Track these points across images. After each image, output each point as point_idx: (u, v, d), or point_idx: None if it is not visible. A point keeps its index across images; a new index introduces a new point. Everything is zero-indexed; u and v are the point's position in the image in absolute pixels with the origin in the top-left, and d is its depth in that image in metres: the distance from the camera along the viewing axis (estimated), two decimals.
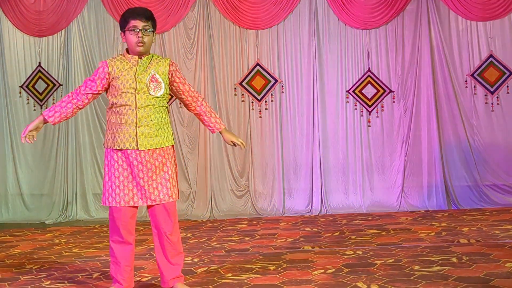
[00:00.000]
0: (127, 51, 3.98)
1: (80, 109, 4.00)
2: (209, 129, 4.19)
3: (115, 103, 3.89)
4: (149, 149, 3.88)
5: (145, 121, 3.87)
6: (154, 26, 3.97)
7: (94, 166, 8.05)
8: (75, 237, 6.52)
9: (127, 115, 3.87)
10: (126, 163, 3.89)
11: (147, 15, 3.93)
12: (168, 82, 4.00)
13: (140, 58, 3.94)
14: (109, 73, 3.91)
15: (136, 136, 3.86)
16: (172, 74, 4.00)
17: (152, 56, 4.00)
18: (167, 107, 4.06)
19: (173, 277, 4.04)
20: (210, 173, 7.89)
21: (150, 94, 3.88)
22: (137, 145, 3.86)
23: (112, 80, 3.91)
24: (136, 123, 3.86)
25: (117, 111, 3.90)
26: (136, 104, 3.86)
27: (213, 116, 4.15)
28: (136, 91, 3.87)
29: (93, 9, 8.09)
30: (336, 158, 7.80)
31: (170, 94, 4.09)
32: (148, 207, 3.99)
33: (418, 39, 7.71)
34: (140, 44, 3.88)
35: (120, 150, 3.89)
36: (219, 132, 4.16)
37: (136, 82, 3.88)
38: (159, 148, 3.92)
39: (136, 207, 3.98)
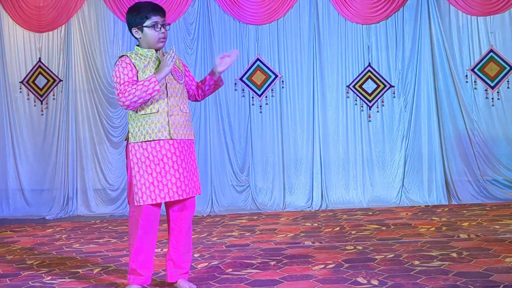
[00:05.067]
0: (139, 46, 3.93)
1: None
2: (208, 84, 4.09)
3: None
4: (180, 139, 3.87)
5: (175, 110, 3.87)
6: None
7: (95, 161, 8.06)
8: (76, 233, 6.53)
9: (158, 104, 3.82)
10: (158, 157, 3.79)
11: (164, 11, 3.95)
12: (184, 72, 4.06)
13: (156, 52, 3.93)
14: (134, 64, 3.82)
15: (168, 125, 3.82)
16: (183, 64, 4.09)
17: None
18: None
19: (182, 272, 4.03)
20: (211, 168, 7.89)
21: (178, 82, 3.92)
22: (169, 134, 3.81)
23: (137, 72, 3.82)
24: (167, 111, 3.83)
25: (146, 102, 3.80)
26: (167, 92, 3.86)
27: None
28: (166, 80, 3.86)
29: (93, 4, 8.08)
30: (336, 153, 7.80)
31: None
32: (172, 202, 3.91)
33: (418, 34, 7.70)
34: (163, 40, 3.90)
35: (152, 141, 3.80)
36: (210, 75, 4.06)
37: None
38: (189, 139, 3.94)
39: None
